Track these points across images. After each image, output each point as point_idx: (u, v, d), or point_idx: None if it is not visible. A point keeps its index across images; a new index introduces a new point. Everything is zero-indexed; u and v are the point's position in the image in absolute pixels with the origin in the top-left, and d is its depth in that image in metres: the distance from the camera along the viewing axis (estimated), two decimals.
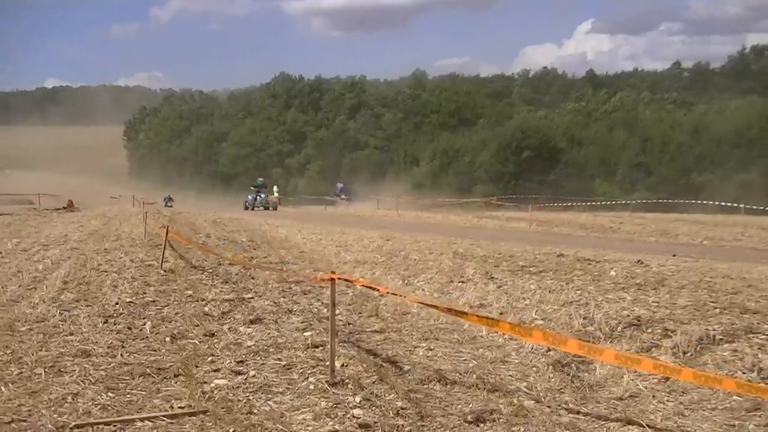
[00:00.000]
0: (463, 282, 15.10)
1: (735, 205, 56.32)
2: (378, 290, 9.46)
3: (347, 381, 8.15)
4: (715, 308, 11.82)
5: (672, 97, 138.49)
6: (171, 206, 74.53)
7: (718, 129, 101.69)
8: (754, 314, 11.42)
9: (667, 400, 7.93)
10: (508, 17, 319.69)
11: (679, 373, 6.73)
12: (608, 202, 64.57)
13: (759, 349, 9.43)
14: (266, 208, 65.00)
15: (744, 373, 8.63)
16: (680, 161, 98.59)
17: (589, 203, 64.53)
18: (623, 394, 8.11)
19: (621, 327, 10.62)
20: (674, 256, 22.57)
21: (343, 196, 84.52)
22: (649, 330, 10.44)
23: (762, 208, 53.71)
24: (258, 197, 67.64)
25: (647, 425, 7.14)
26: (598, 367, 8.89)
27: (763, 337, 9.99)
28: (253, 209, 64.59)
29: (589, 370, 8.94)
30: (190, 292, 13.62)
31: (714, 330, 10.18)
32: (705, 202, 61.64)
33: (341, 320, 11.24)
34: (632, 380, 8.41)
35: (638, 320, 10.87)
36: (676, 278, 15.26)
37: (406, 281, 15.73)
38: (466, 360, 9.44)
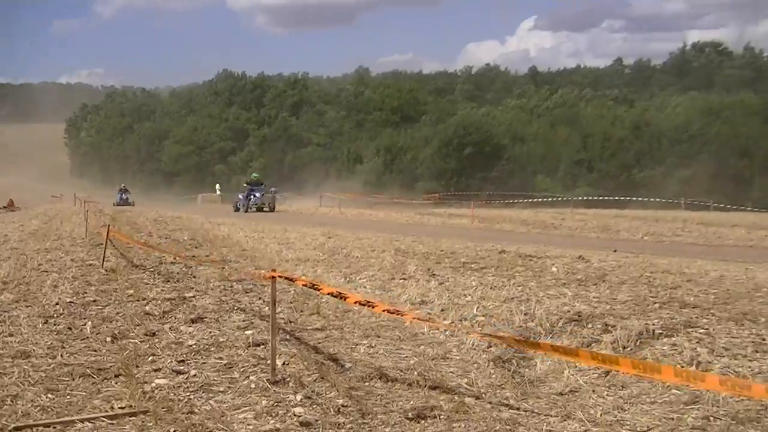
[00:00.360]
0: (404, 279, 15.14)
1: (675, 201, 56.92)
2: (319, 290, 9.45)
3: (288, 379, 8.14)
4: (655, 303, 11.95)
5: (613, 94, 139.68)
6: (127, 199, 72.00)
7: (659, 125, 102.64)
8: (693, 308, 11.55)
9: (607, 395, 7.99)
10: (452, 14, 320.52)
11: (618, 364, 6.75)
12: (550, 199, 64.88)
13: (697, 343, 9.52)
14: (261, 209, 55.59)
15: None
16: (621, 157, 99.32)
17: (531, 200, 64.79)
18: (563, 389, 8.16)
19: (562, 323, 10.69)
20: (615, 251, 22.76)
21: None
22: (590, 325, 10.52)
23: (702, 203, 54.29)
24: (252, 196, 56.88)
25: (587, 419, 7.19)
26: (538, 362, 8.95)
27: (701, 331, 10.10)
28: (246, 211, 54.94)
29: (530, 366, 8.99)
30: (131, 291, 13.54)
31: (653, 325, 10.28)
32: (645, 198, 62.17)
33: (283, 318, 11.22)
34: (572, 375, 8.47)
35: (579, 316, 10.95)
36: (617, 274, 15.40)
37: (347, 279, 15.73)
38: (407, 357, 9.46)
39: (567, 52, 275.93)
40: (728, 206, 52.48)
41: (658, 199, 58.59)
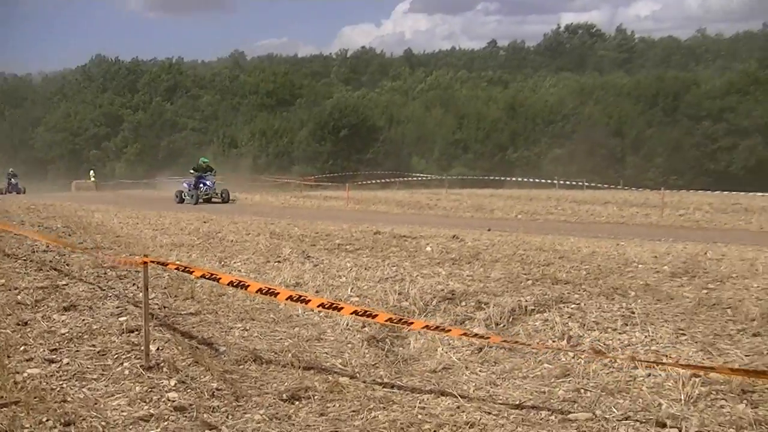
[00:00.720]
0: (279, 262, 15.12)
1: (549, 181, 57.63)
2: (191, 272, 9.38)
3: (162, 365, 8.07)
4: (528, 280, 12.15)
5: (488, 76, 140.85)
6: (17, 184, 65.80)
7: (533, 106, 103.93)
8: (564, 284, 11.79)
9: (480, 371, 8.10)
10: None
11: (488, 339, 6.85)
12: (426, 179, 65.27)
13: (569, 317, 9.73)
14: (209, 200, 46.90)
15: (554, 341, 8.88)
16: (496, 138, 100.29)
17: (406, 180, 65.08)
18: (437, 367, 8.24)
19: (435, 301, 10.81)
20: (489, 230, 23.03)
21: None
22: (463, 303, 10.65)
23: (575, 183, 55.10)
24: (203, 184, 47.26)
25: (460, 395, 7.27)
26: (412, 341, 9.03)
27: (573, 306, 10.32)
28: (196, 202, 45.66)
29: (404, 345, 9.07)
30: (2, 281, 13.29)
31: (526, 301, 10.46)
32: (520, 178, 62.84)
33: (157, 304, 11.12)
34: (446, 353, 8.56)
35: (452, 294, 11.08)
36: (490, 252, 15.59)
37: (222, 263, 15.64)
38: (281, 339, 9.46)
39: (442, 34, 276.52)
40: (601, 185, 53.26)
41: (532, 179, 59.23)
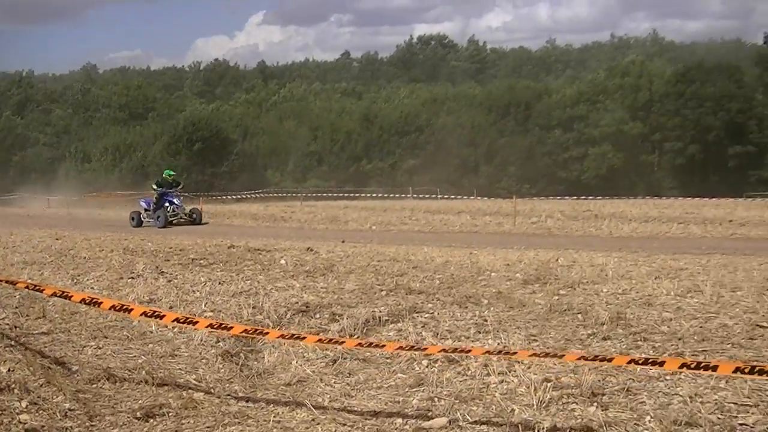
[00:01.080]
0: (133, 278, 14.93)
1: (402, 195, 58.08)
2: (42, 291, 9.23)
3: (13, 386, 7.90)
4: (382, 291, 12.24)
5: (342, 87, 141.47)
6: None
7: (387, 117, 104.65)
8: (418, 294, 11.91)
9: (335, 382, 8.11)
10: (181, 9, 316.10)
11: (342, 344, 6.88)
12: (281, 191, 65.32)
13: (422, 327, 9.84)
14: (178, 222, 39.88)
15: (408, 351, 8.96)
16: (350, 149, 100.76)
17: (261, 194, 65.05)
18: (291, 380, 8.22)
19: (290, 314, 10.81)
20: (343, 242, 23.15)
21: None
22: (317, 315, 10.68)
23: (428, 195, 55.69)
24: (168, 202, 40.05)
25: (315, 407, 7.26)
26: (266, 355, 9.00)
27: (426, 315, 10.45)
28: (164, 225, 38.31)
29: (258, 359, 9.04)
30: None
31: (380, 311, 10.54)
32: (374, 189, 63.28)
33: (7, 324, 10.89)
34: (300, 366, 8.55)
35: (307, 306, 11.11)
36: (345, 263, 15.66)
37: (75, 280, 15.37)
38: (135, 356, 9.34)
39: (296, 46, 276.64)
40: (454, 195, 53.85)
41: (387, 194, 59.59)
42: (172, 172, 43.12)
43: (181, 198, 41.70)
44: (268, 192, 66.41)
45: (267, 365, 8.77)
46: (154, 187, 41.06)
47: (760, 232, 29.94)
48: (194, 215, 40.38)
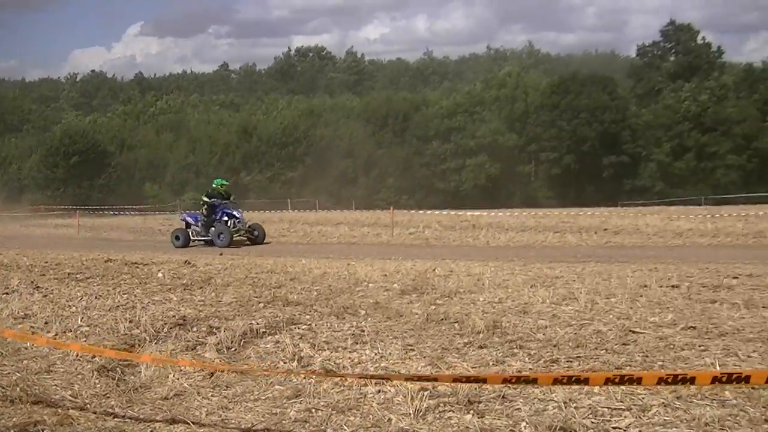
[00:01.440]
0: (7, 293, 14.65)
1: (282, 210, 58.08)
2: None
3: None
4: (259, 302, 12.24)
5: (220, 99, 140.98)
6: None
7: (265, 129, 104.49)
8: (296, 306, 11.94)
9: (212, 396, 8.07)
10: (57, 20, 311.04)
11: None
12: (158, 205, 64.95)
13: (300, 338, 9.83)
14: (239, 240, 34.54)
15: (285, 362, 8.95)
16: (228, 162, 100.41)
17: (139, 207, 64.47)
18: (168, 394, 8.16)
19: (167, 327, 10.72)
20: (221, 254, 23.14)
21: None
22: (195, 328, 10.62)
23: (308, 209, 55.78)
24: (226, 216, 34.55)
25: (192, 422, 7.23)
26: (143, 369, 8.92)
27: (304, 327, 10.45)
28: (228, 243, 32.81)
29: (135, 373, 8.96)
30: None
31: (257, 324, 10.52)
32: (251, 203, 63.25)
33: None
34: (177, 379, 8.49)
35: (184, 320, 11.03)
36: (222, 276, 15.62)
37: None
38: (9, 373, 9.17)
39: (174, 57, 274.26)
40: (332, 207, 54.07)
41: (265, 208, 59.56)
42: (224, 182, 37.37)
43: (241, 211, 36.30)
44: (147, 205, 65.99)
45: (144, 380, 8.69)
46: (205, 199, 35.52)
47: (633, 240, 30.58)
48: (256, 232, 34.75)
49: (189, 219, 35.56)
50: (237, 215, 34.34)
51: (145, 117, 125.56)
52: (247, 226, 34.63)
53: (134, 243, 32.50)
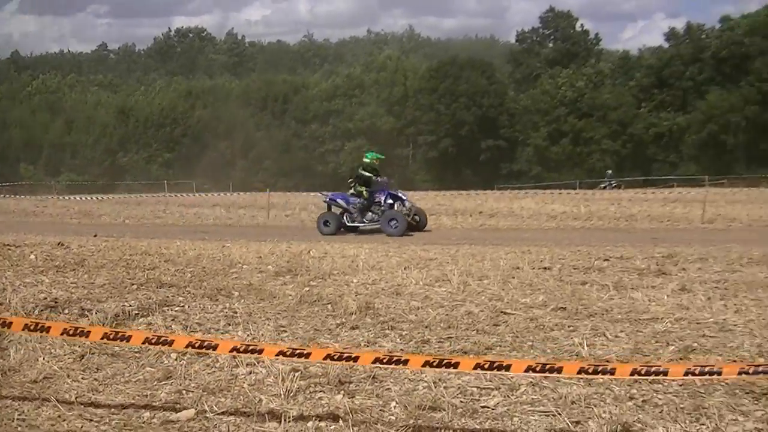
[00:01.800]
0: None
1: (159, 194, 57.60)
2: None
3: None
4: (133, 285, 12.14)
5: (98, 79, 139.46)
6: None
7: (143, 110, 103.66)
8: (170, 288, 11.89)
9: (82, 378, 8.00)
10: None
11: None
12: (33, 185, 64.04)
13: (173, 320, 9.84)
14: (408, 223, 29.49)
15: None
16: (106, 143, 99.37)
17: (14, 187, 63.44)
18: (38, 377, 8.09)
19: (38, 310, 10.60)
20: (95, 236, 22.82)
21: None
22: (66, 311, 10.51)
23: (184, 192, 55.43)
24: (393, 198, 30.28)
25: (61, 404, 7.18)
26: (12, 352, 8.80)
27: (177, 309, 10.45)
28: (403, 232, 28.56)
29: (4, 356, 8.85)
30: None
31: (130, 306, 10.47)
32: (127, 185, 62.77)
33: None
34: (47, 362, 8.41)
35: (56, 302, 10.91)
36: (96, 258, 15.44)
37: None
38: None
39: (52, 36, 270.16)
40: (209, 189, 53.92)
41: (140, 190, 59.16)
42: (380, 155, 32.10)
43: (397, 190, 31.74)
44: (22, 185, 64.97)
45: (13, 363, 8.58)
46: (361, 173, 31.07)
47: (508, 223, 31.05)
48: (418, 217, 30.74)
49: (340, 201, 31.03)
50: (403, 197, 30.58)
51: (21, 97, 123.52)
52: (414, 212, 30.62)
53: (6, 225, 31.86)
